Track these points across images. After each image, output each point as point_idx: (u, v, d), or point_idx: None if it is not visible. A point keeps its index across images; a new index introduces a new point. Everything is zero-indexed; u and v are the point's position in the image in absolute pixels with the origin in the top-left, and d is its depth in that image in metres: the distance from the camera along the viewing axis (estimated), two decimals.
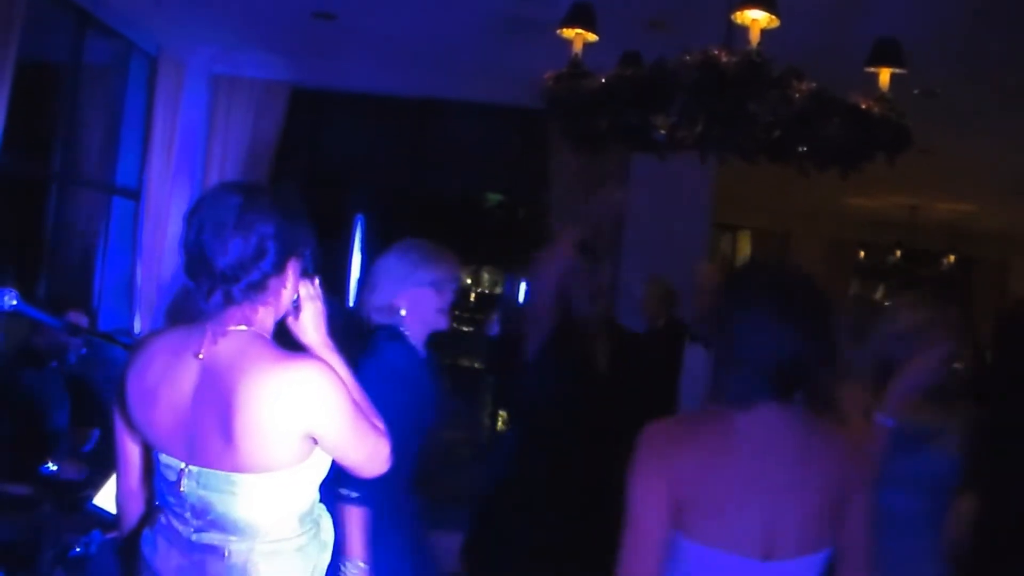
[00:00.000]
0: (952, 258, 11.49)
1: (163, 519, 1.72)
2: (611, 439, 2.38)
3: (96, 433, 4.01)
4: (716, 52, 2.81)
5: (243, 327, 1.65)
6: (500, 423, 6.92)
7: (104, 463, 3.32)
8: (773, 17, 2.85)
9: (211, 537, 1.65)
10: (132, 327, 5.64)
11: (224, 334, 1.64)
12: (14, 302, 1.90)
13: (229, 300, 1.63)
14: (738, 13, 2.88)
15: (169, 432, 1.67)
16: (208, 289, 1.63)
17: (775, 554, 1.60)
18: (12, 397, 3.87)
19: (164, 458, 1.69)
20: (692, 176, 4.82)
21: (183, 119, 5.92)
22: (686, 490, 1.64)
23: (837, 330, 2.82)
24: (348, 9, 4.87)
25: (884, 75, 3.13)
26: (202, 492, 1.63)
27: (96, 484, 3.19)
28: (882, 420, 2.34)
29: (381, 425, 1.78)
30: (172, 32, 5.64)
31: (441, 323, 2.57)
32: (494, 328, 4.92)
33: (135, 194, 5.81)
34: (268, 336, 1.70)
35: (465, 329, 8.34)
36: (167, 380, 1.67)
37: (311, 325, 1.79)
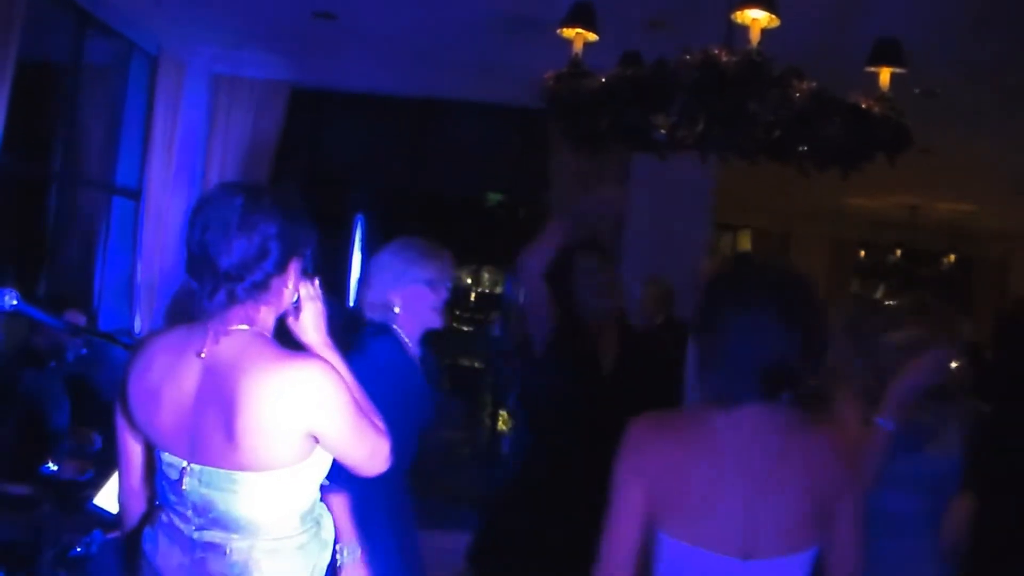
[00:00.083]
0: (952, 258, 11.50)
1: (164, 518, 1.73)
2: (614, 439, 2.38)
3: (98, 437, 4.01)
4: (716, 52, 2.81)
5: (245, 326, 1.67)
6: (500, 423, 6.93)
7: (104, 463, 3.32)
8: (773, 17, 2.85)
9: (212, 535, 1.66)
10: (132, 327, 5.64)
11: (226, 333, 1.65)
12: (14, 302, 1.90)
13: (233, 300, 1.65)
14: (738, 13, 2.88)
15: (171, 431, 1.68)
16: (211, 288, 1.64)
17: (756, 553, 1.60)
18: (12, 397, 3.87)
19: (166, 457, 1.70)
20: (692, 176, 4.82)
21: (183, 119, 5.92)
22: (664, 487, 1.65)
23: (835, 330, 2.83)
24: (348, 9, 4.88)
25: (884, 75, 3.13)
26: (204, 490, 1.65)
27: (96, 484, 3.19)
28: (882, 423, 2.34)
29: (381, 424, 1.79)
30: (172, 32, 5.64)
31: (435, 321, 2.57)
32: (496, 329, 4.93)
33: (135, 194, 5.81)
34: (269, 335, 1.72)
35: (465, 329, 8.34)
36: (169, 379, 1.68)
37: (311, 325, 1.80)
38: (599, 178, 5.58)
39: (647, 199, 5.75)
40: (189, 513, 1.67)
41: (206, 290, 1.65)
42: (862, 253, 11.78)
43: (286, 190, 1.85)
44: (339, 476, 2.09)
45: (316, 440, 1.68)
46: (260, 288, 1.67)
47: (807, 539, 1.60)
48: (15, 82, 4.17)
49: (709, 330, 1.69)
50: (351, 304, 2.70)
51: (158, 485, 1.75)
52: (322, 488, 2.15)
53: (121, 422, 1.82)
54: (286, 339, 1.78)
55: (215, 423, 1.62)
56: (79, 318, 4.13)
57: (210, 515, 1.66)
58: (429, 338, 2.66)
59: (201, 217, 1.66)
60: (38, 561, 3.05)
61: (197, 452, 1.65)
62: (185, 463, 1.66)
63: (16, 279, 4.12)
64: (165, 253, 5.72)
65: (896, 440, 2.47)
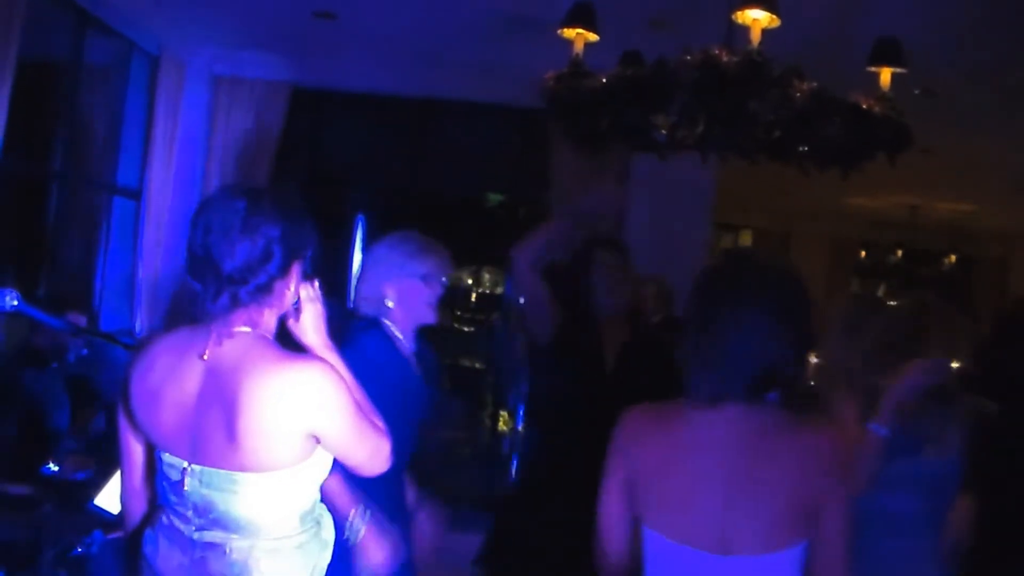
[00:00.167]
0: (953, 258, 11.50)
1: (164, 519, 1.74)
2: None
3: (100, 421, 4.01)
4: (717, 52, 2.81)
5: (247, 329, 1.68)
6: (500, 423, 6.92)
7: (105, 463, 3.33)
8: (774, 17, 2.85)
9: (213, 535, 1.67)
10: (133, 327, 5.65)
11: (229, 335, 1.66)
12: (15, 302, 1.90)
13: (236, 302, 1.66)
14: (739, 12, 2.88)
15: (173, 432, 1.69)
16: (215, 291, 1.65)
17: (734, 550, 1.59)
18: (13, 397, 3.87)
19: (167, 457, 1.71)
20: (693, 176, 4.82)
21: (184, 119, 5.92)
22: (647, 479, 1.68)
23: (834, 330, 2.83)
24: (348, 9, 4.88)
25: (885, 74, 3.13)
26: (205, 491, 1.65)
27: (97, 484, 3.19)
28: (875, 429, 2.34)
29: (381, 424, 1.80)
30: (173, 32, 5.65)
31: (428, 317, 2.55)
32: (497, 328, 4.92)
33: (136, 194, 5.81)
34: (271, 336, 1.73)
35: (466, 329, 8.34)
36: (171, 381, 1.69)
37: (311, 326, 1.81)
38: (599, 178, 5.58)
39: (647, 199, 5.75)
40: (189, 514, 1.68)
41: (209, 293, 1.65)
42: (862, 253, 11.78)
43: (287, 192, 1.86)
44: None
45: (317, 441, 1.68)
46: (263, 291, 1.67)
47: (790, 538, 1.58)
48: (15, 82, 4.17)
49: (697, 327, 1.68)
50: (351, 305, 2.69)
51: (159, 486, 1.76)
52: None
53: (123, 422, 1.83)
54: (286, 340, 1.79)
55: (216, 424, 1.63)
56: (80, 319, 4.13)
57: (210, 515, 1.67)
58: (429, 335, 2.65)
59: (203, 220, 1.67)
60: (39, 561, 3.05)
61: (198, 453, 1.65)
62: (186, 464, 1.67)
63: (16, 279, 4.13)
64: (165, 253, 5.72)
65: (895, 442, 2.47)
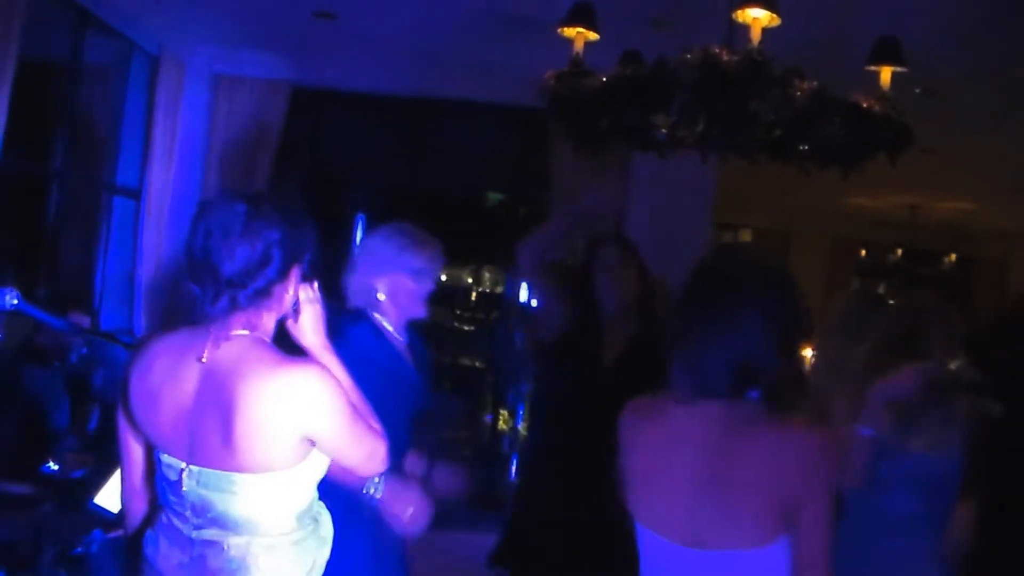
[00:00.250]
0: (952, 257, 11.50)
1: (164, 519, 1.75)
2: (610, 435, 2.37)
3: (99, 434, 4.01)
4: (717, 51, 2.80)
5: (246, 331, 1.69)
6: (500, 423, 6.92)
7: (105, 463, 3.33)
8: (774, 16, 2.85)
9: (211, 534, 1.69)
10: (133, 326, 5.65)
11: (227, 338, 1.68)
12: (15, 301, 1.90)
13: (235, 306, 1.67)
14: (739, 11, 2.88)
15: (170, 432, 1.70)
16: (214, 295, 1.66)
17: (705, 544, 1.60)
18: (15, 396, 3.88)
19: (165, 458, 1.72)
20: (693, 175, 4.82)
21: (184, 118, 5.92)
22: (631, 468, 1.71)
23: (831, 328, 2.82)
24: (349, 8, 4.88)
25: (885, 74, 3.13)
26: (202, 491, 1.67)
27: (97, 483, 3.20)
28: (860, 430, 2.34)
29: (378, 426, 1.81)
30: (173, 32, 5.65)
31: (419, 311, 2.52)
32: (498, 328, 4.91)
33: (136, 193, 5.81)
34: (269, 339, 1.74)
35: (466, 328, 8.34)
36: (169, 382, 1.70)
37: (310, 328, 1.83)
38: (597, 176, 5.58)
39: (647, 199, 5.75)
40: (188, 513, 1.70)
41: (208, 296, 1.66)
42: (862, 252, 11.79)
43: (287, 197, 1.87)
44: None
45: (312, 444, 1.70)
46: (262, 294, 1.69)
47: (766, 535, 1.57)
48: (15, 81, 4.17)
49: (679, 322, 1.68)
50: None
51: (158, 486, 1.77)
52: None
53: (123, 422, 1.84)
54: (285, 341, 1.79)
55: (213, 426, 1.64)
56: (83, 320, 4.13)
57: (208, 515, 1.68)
58: (430, 334, 2.64)
59: (203, 223, 1.68)
60: (39, 560, 3.06)
61: (195, 454, 1.67)
62: (184, 464, 1.68)
63: (16, 279, 4.12)
64: (165, 253, 5.72)
65: (897, 439, 2.48)
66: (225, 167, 5.98)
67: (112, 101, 5.85)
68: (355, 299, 2.51)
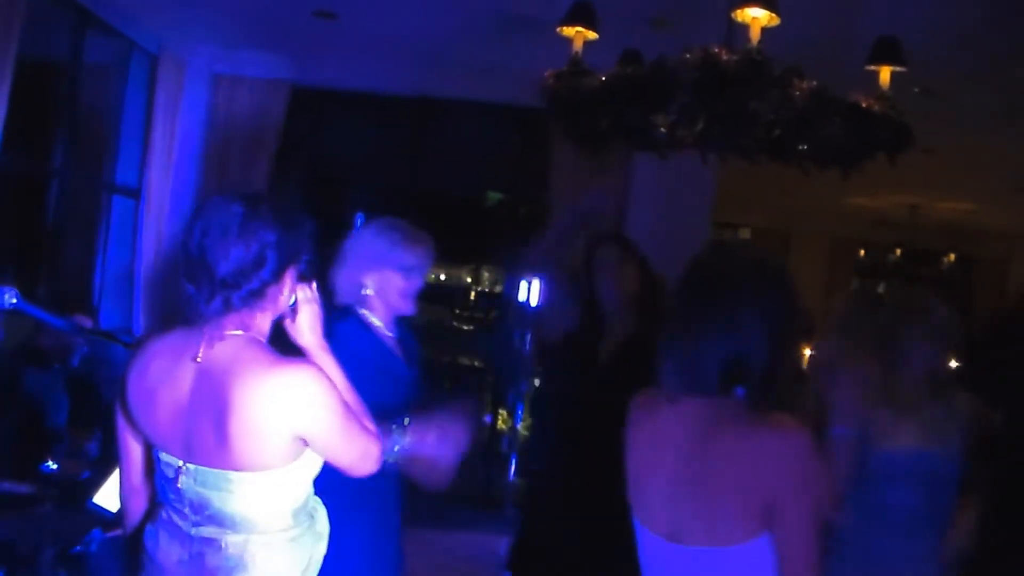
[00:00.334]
0: (952, 257, 11.51)
1: (164, 514, 1.77)
2: (605, 434, 2.37)
3: (95, 439, 4.01)
4: (717, 50, 2.80)
5: (239, 332, 1.70)
6: (500, 422, 6.92)
7: (103, 462, 3.33)
8: (773, 15, 2.85)
9: (208, 531, 1.70)
10: (132, 326, 5.65)
11: (221, 338, 1.69)
12: (14, 300, 1.91)
13: (228, 307, 1.68)
14: (738, 11, 2.88)
15: (167, 431, 1.72)
16: (208, 295, 1.68)
17: (683, 539, 1.61)
18: (14, 396, 3.87)
19: (164, 456, 1.74)
20: (693, 175, 4.82)
21: (183, 118, 5.92)
22: (629, 463, 1.74)
23: (831, 328, 2.83)
24: (348, 8, 4.88)
25: (885, 73, 3.13)
26: (199, 489, 1.69)
27: (96, 483, 3.20)
28: (835, 431, 2.34)
29: (372, 427, 1.82)
30: (173, 31, 5.65)
31: (406, 308, 2.50)
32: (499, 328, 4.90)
33: (135, 193, 5.82)
34: (264, 339, 1.75)
35: (465, 328, 8.34)
36: (166, 381, 1.72)
37: (307, 328, 1.85)
38: (597, 176, 5.58)
39: (647, 199, 5.75)
40: (186, 510, 1.72)
41: (203, 296, 1.68)
42: (862, 252, 11.80)
43: (286, 199, 1.87)
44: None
45: (305, 443, 1.71)
46: (256, 296, 1.70)
47: (744, 533, 1.56)
48: (15, 81, 4.18)
49: (680, 319, 1.67)
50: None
51: (158, 483, 1.79)
52: None
53: (121, 421, 1.86)
54: (283, 341, 1.80)
55: (208, 425, 1.66)
56: (85, 321, 4.13)
57: (206, 512, 1.70)
58: (429, 333, 2.63)
59: (200, 223, 1.69)
60: (38, 560, 3.06)
61: (191, 452, 1.69)
62: (181, 463, 1.70)
63: (16, 278, 4.12)
64: (165, 252, 5.72)
65: (897, 438, 2.48)
66: (225, 167, 5.98)
67: (112, 101, 5.85)
68: (343, 295, 2.49)
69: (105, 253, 5.87)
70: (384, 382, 2.40)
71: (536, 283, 3.16)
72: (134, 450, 1.87)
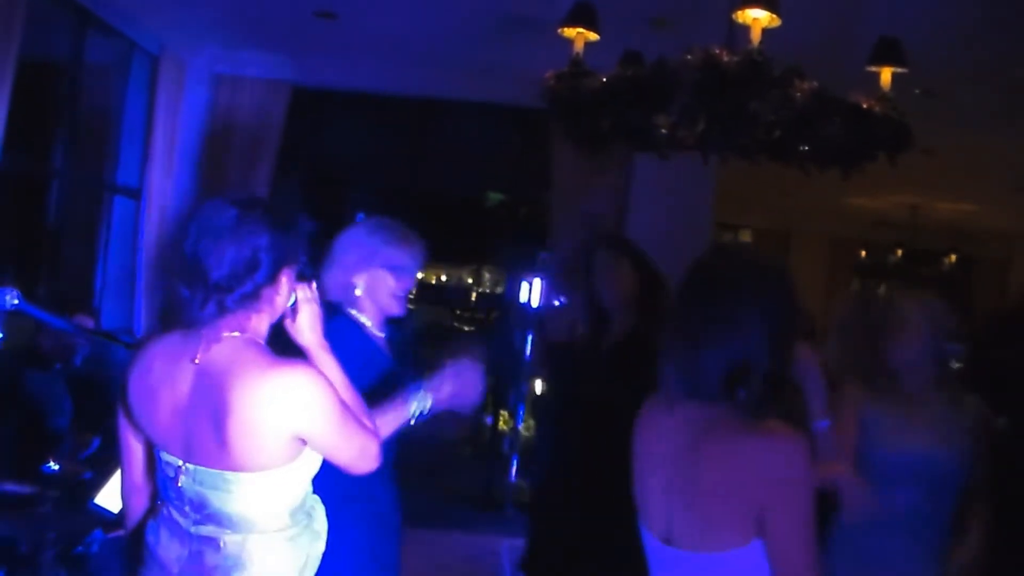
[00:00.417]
0: (953, 258, 11.51)
1: (165, 512, 1.79)
2: (603, 434, 2.37)
3: (96, 441, 4.00)
4: (717, 51, 2.81)
5: (236, 333, 1.71)
6: (500, 423, 6.92)
7: (104, 463, 3.33)
8: (774, 16, 2.85)
9: (208, 530, 1.72)
10: (133, 326, 5.65)
11: (218, 340, 1.70)
12: (15, 301, 1.91)
13: (222, 310, 1.69)
14: (739, 12, 2.88)
15: (167, 432, 1.74)
16: (202, 299, 1.69)
17: (675, 542, 1.62)
18: (15, 397, 3.87)
19: (164, 455, 1.76)
20: (693, 176, 4.82)
21: (184, 118, 5.92)
22: (634, 465, 1.75)
23: (832, 329, 2.83)
24: (349, 8, 4.88)
25: (885, 74, 3.14)
26: (199, 488, 1.70)
27: (97, 483, 3.20)
28: (816, 425, 2.34)
29: (371, 424, 1.83)
30: (174, 31, 5.65)
31: (395, 308, 2.48)
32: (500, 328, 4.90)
33: (136, 193, 5.82)
34: (261, 341, 1.76)
35: (466, 328, 8.33)
36: (165, 383, 1.73)
37: (307, 327, 1.87)
38: (597, 176, 5.59)
39: (647, 199, 5.75)
40: (186, 509, 1.73)
41: (197, 300, 1.69)
42: (863, 253, 11.80)
43: (286, 196, 1.88)
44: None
45: (303, 443, 1.72)
46: (249, 298, 1.71)
47: (737, 539, 1.55)
48: (16, 81, 4.18)
49: (681, 323, 1.66)
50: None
51: (159, 481, 1.81)
52: None
53: (123, 421, 1.87)
54: (283, 341, 1.80)
55: (206, 426, 1.67)
56: (86, 322, 4.13)
57: (205, 511, 1.71)
58: (429, 333, 2.63)
59: (194, 226, 1.70)
60: (39, 560, 3.06)
61: (191, 453, 1.70)
62: (181, 462, 1.72)
63: (17, 279, 4.12)
64: (163, 253, 5.72)
65: (897, 437, 2.48)
66: (225, 167, 5.98)
67: (112, 101, 5.85)
68: (331, 293, 2.46)
69: (106, 253, 5.87)
70: (373, 381, 2.39)
71: (538, 284, 3.16)
72: (136, 449, 1.89)
